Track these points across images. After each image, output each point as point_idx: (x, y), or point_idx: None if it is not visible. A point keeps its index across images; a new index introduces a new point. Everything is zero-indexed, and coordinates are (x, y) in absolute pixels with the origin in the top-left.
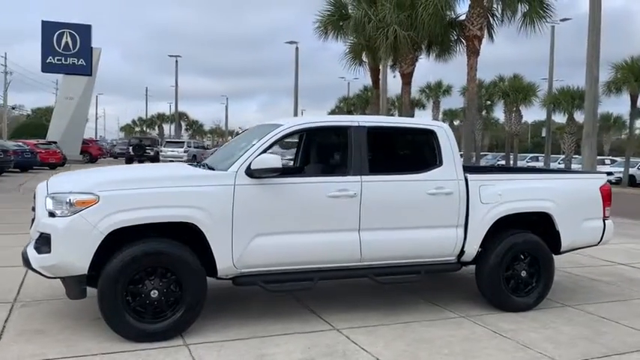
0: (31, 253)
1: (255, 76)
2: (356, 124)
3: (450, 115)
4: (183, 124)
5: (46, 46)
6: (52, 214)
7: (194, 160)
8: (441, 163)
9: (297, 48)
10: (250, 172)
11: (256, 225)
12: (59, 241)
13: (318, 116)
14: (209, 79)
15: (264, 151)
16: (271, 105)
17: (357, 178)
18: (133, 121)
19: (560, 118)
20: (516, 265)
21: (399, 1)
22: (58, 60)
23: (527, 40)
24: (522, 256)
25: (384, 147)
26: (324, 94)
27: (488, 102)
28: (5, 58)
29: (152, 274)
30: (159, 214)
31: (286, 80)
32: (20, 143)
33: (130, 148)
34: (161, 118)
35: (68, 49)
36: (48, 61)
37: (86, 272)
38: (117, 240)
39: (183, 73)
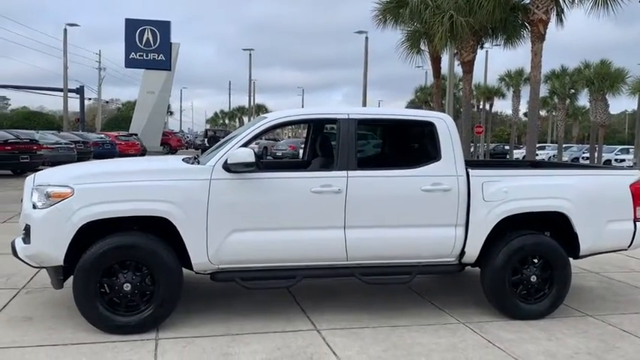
0: (18, 242)
1: (342, 67)
2: (345, 115)
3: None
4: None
5: (129, 42)
6: (34, 206)
7: (264, 152)
8: (439, 158)
9: (366, 38)
10: (227, 167)
11: (233, 220)
12: (36, 232)
13: (310, 108)
14: (296, 71)
15: (245, 145)
16: (355, 96)
17: (343, 173)
18: (215, 114)
19: None
20: (525, 269)
21: None
22: (139, 55)
23: (621, 22)
24: (533, 260)
25: (377, 140)
26: (405, 84)
27: (572, 90)
28: (99, 55)
29: (126, 267)
30: (130, 208)
31: (372, 71)
32: (102, 135)
33: (205, 139)
34: (241, 110)
35: (149, 45)
36: (131, 57)
37: (61, 263)
38: (100, 232)
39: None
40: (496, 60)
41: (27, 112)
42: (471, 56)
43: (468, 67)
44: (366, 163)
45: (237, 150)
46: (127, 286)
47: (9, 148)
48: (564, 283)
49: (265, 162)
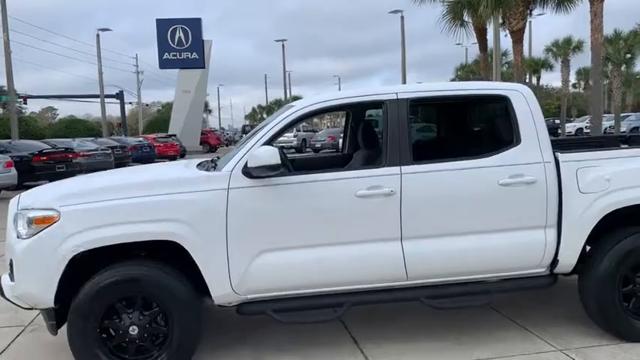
0: (4, 280)
1: (379, 52)
2: (393, 96)
3: (584, 74)
4: None
5: (162, 43)
6: (18, 235)
7: (304, 144)
8: (518, 141)
9: (402, 17)
10: (248, 172)
11: (260, 239)
12: (19, 269)
13: (347, 90)
14: (333, 60)
15: (269, 142)
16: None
17: (395, 169)
18: (253, 109)
19: None
20: (639, 277)
21: None
22: (173, 55)
23: None
24: None
25: (435, 125)
26: (444, 64)
27: (628, 55)
28: (136, 59)
29: (132, 305)
30: (128, 232)
31: (410, 53)
32: (141, 138)
33: (243, 135)
34: (278, 103)
35: (181, 44)
36: (164, 57)
37: (52, 305)
38: (101, 262)
39: (306, 56)
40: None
41: (68, 121)
42: (521, 24)
43: (518, 36)
44: (424, 154)
45: (258, 150)
46: (134, 330)
47: (44, 158)
48: None
49: (295, 159)
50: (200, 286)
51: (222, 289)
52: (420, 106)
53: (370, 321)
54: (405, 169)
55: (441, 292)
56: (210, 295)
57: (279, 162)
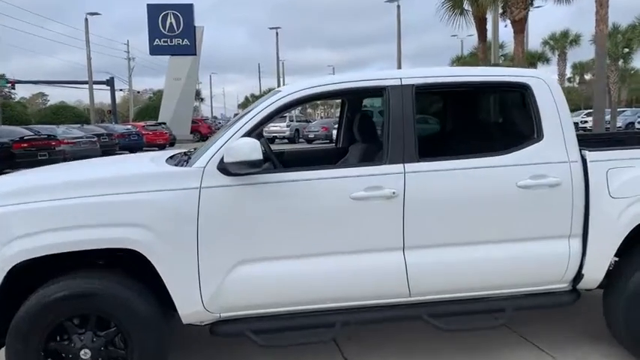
0: None
1: (375, 43)
2: (396, 81)
3: (579, 68)
4: None
5: (153, 28)
6: None
7: (296, 134)
8: (540, 137)
9: (398, 6)
10: (224, 168)
11: (238, 247)
12: None
13: (343, 75)
14: (328, 50)
15: (250, 133)
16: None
17: (398, 167)
18: (246, 98)
19: None
20: None
21: None
22: (164, 42)
23: None
24: None
25: (445, 116)
26: (440, 56)
27: (626, 49)
28: (128, 45)
29: (84, 324)
30: (75, 240)
31: (405, 44)
32: (129, 126)
33: None
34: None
35: (173, 30)
36: (155, 43)
37: None
38: (51, 272)
39: (301, 46)
40: (535, 25)
41: (56, 107)
42: (523, 13)
43: (520, 26)
44: (431, 150)
45: (236, 142)
46: (86, 354)
47: (25, 145)
48: None
49: (284, 152)
50: (168, 302)
51: (191, 305)
52: (431, 93)
53: (366, 340)
54: (410, 167)
55: (448, 310)
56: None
57: (261, 157)
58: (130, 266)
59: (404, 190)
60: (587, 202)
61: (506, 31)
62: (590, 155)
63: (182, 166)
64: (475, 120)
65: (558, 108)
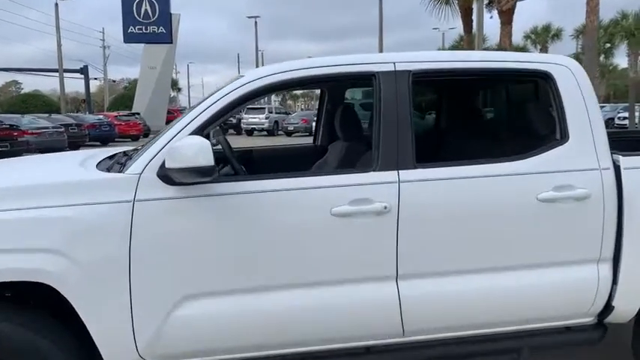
0: None
1: (357, 37)
2: (389, 66)
3: None
4: None
5: (127, 15)
6: None
7: (276, 127)
8: (565, 139)
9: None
10: (165, 175)
11: (184, 278)
12: None
13: (322, 58)
14: (310, 42)
15: (200, 131)
16: None
17: (391, 175)
18: None
19: None
20: None
21: None
22: (138, 29)
23: None
24: None
25: (448, 111)
26: (422, 49)
27: (608, 44)
28: (103, 33)
29: None
30: None
31: (387, 38)
32: (101, 116)
33: None
34: None
35: (148, 18)
36: (129, 31)
37: None
38: None
39: (284, 37)
40: (517, 19)
41: (24, 95)
42: (511, 3)
43: (507, 16)
44: (431, 154)
45: (182, 142)
46: None
47: None
48: None
49: (252, 150)
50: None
51: (120, 352)
52: (432, 83)
53: None
54: (405, 174)
55: (449, 353)
56: None
57: (212, 162)
58: (50, 300)
59: (398, 204)
60: (619, 218)
61: (489, 24)
62: (623, 161)
63: (115, 171)
64: (483, 117)
65: (586, 102)
